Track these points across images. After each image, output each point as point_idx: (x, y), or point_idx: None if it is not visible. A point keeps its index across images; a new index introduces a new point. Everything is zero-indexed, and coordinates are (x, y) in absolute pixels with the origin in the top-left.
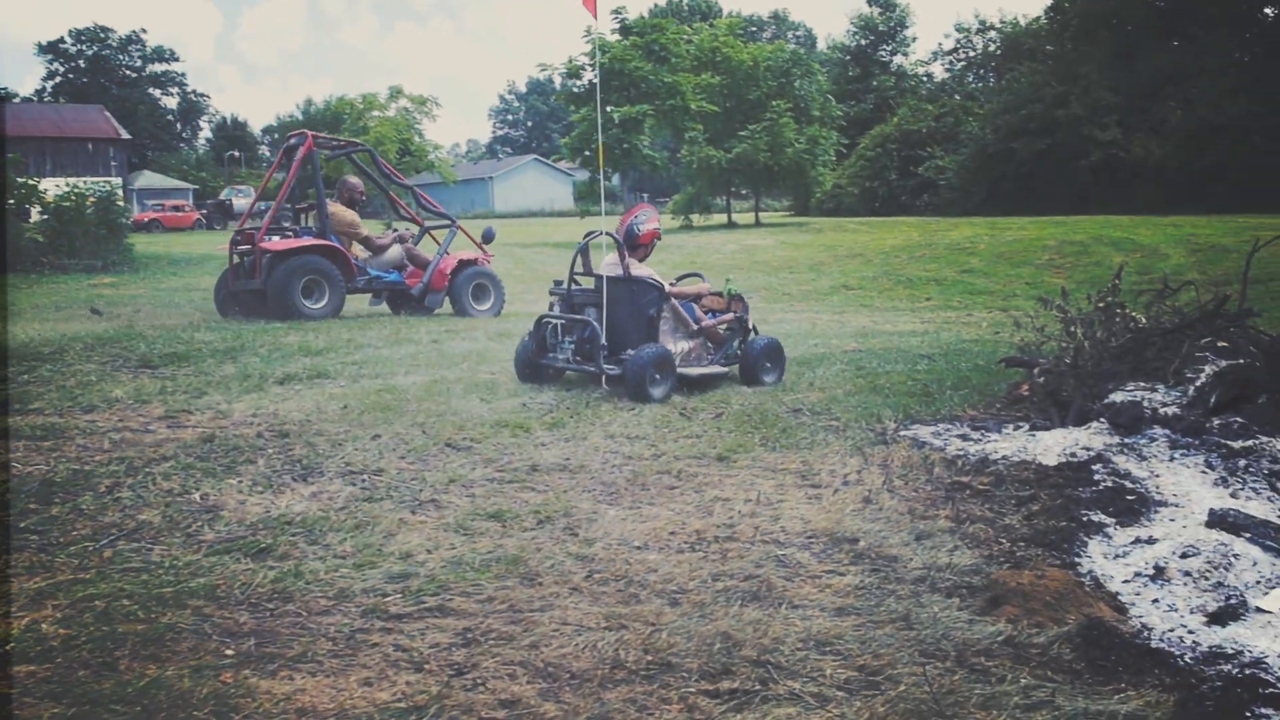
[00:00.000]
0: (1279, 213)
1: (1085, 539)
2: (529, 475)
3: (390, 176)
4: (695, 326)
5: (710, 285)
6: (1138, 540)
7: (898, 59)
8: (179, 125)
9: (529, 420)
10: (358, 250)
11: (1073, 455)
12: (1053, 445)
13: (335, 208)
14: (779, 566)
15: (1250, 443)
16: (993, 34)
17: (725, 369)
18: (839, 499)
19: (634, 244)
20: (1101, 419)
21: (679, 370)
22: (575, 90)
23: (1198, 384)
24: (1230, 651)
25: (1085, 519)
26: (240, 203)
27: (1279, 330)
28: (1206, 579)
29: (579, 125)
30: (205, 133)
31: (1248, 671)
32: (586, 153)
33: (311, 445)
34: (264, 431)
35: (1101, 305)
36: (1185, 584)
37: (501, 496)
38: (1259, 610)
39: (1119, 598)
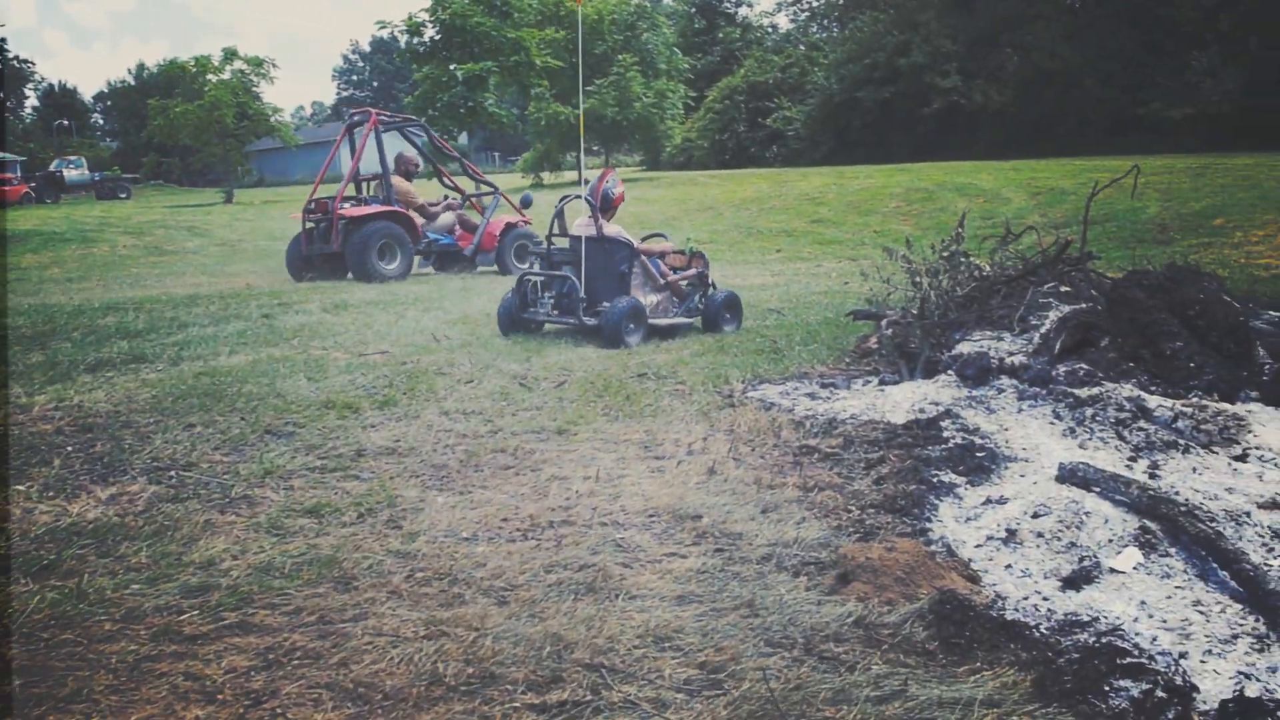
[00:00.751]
0: (1112, 154)
1: (936, 501)
2: (354, 462)
3: (440, 149)
4: (662, 281)
5: (673, 244)
6: (989, 501)
7: (743, 10)
8: (1, 93)
9: (358, 399)
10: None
11: (921, 411)
12: (901, 401)
13: (396, 181)
14: (617, 551)
15: (1096, 390)
16: None
17: (690, 320)
18: (682, 471)
19: (607, 206)
20: (949, 371)
21: (649, 321)
22: (418, 48)
23: (1042, 331)
24: (1086, 619)
25: (935, 480)
26: (71, 174)
27: (1118, 272)
28: (1059, 539)
29: (423, 84)
30: (32, 101)
31: (1104, 640)
32: (431, 111)
33: (117, 440)
34: (65, 427)
35: (946, 255)
36: (1038, 546)
37: (321, 488)
38: (1112, 571)
39: (972, 565)
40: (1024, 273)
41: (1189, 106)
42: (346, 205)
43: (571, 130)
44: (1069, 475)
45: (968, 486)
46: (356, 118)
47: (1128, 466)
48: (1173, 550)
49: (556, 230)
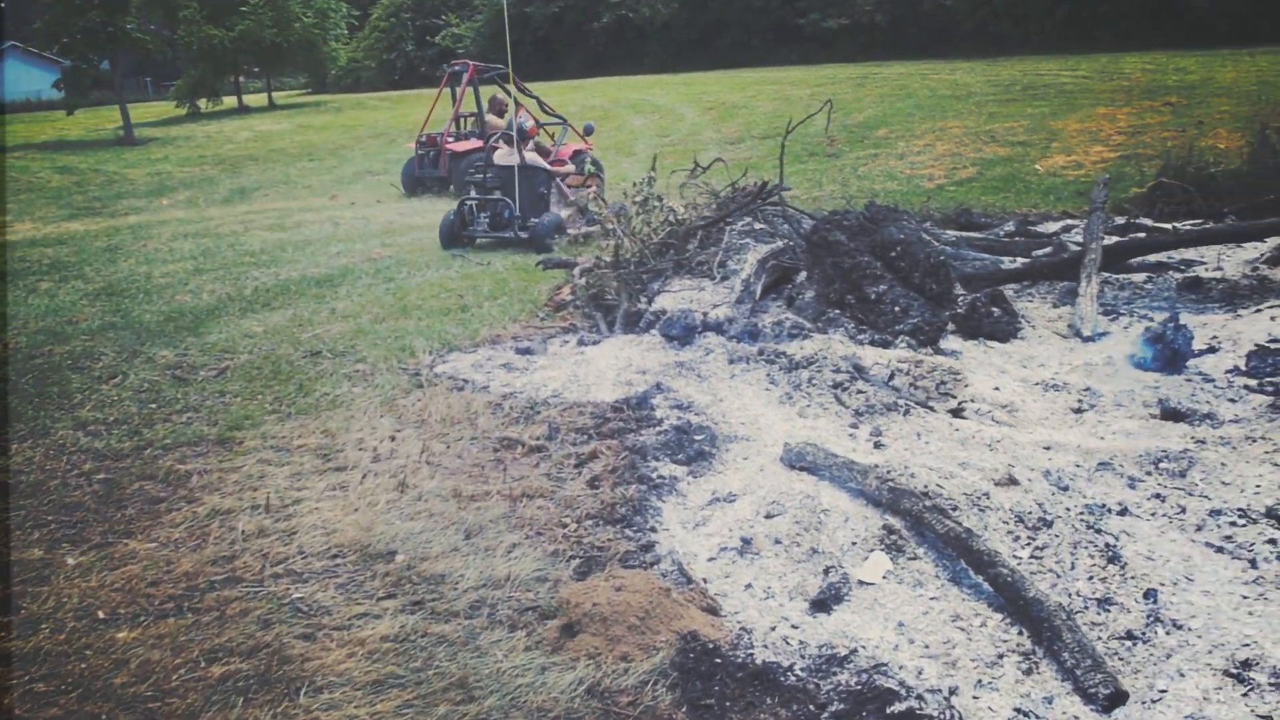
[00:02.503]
0: (775, 64)
1: (658, 504)
2: None
3: (523, 90)
4: (571, 199)
5: (573, 167)
6: (715, 498)
7: None
8: None
9: None
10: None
11: (628, 384)
12: (605, 369)
13: (490, 117)
14: (295, 619)
15: (810, 349)
16: None
17: (593, 229)
18: (369, 487)
19: (524, 137)
20: (652, 329)
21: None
22: None
23: (743, 276)
24: (843, 651)
25: (655, 476)
26: None
27: (798, 192)
28: (798, 545)
29: (55, 7)
30: None
31: (869, 680)
32: (65, 39)
33: None
34: None
35: (639, 199)
36: (776, 555)
37: None
38: (861, 583)
39: (708, 587)
40: (719, 217)
41: (844, 17)
42: (452, 140)
43: (227, 54)
44: (796, 459)
45: (690, 479)
46: (457, 68)
47: (850, 435)
48: (920, 551)
49: (484, 163)
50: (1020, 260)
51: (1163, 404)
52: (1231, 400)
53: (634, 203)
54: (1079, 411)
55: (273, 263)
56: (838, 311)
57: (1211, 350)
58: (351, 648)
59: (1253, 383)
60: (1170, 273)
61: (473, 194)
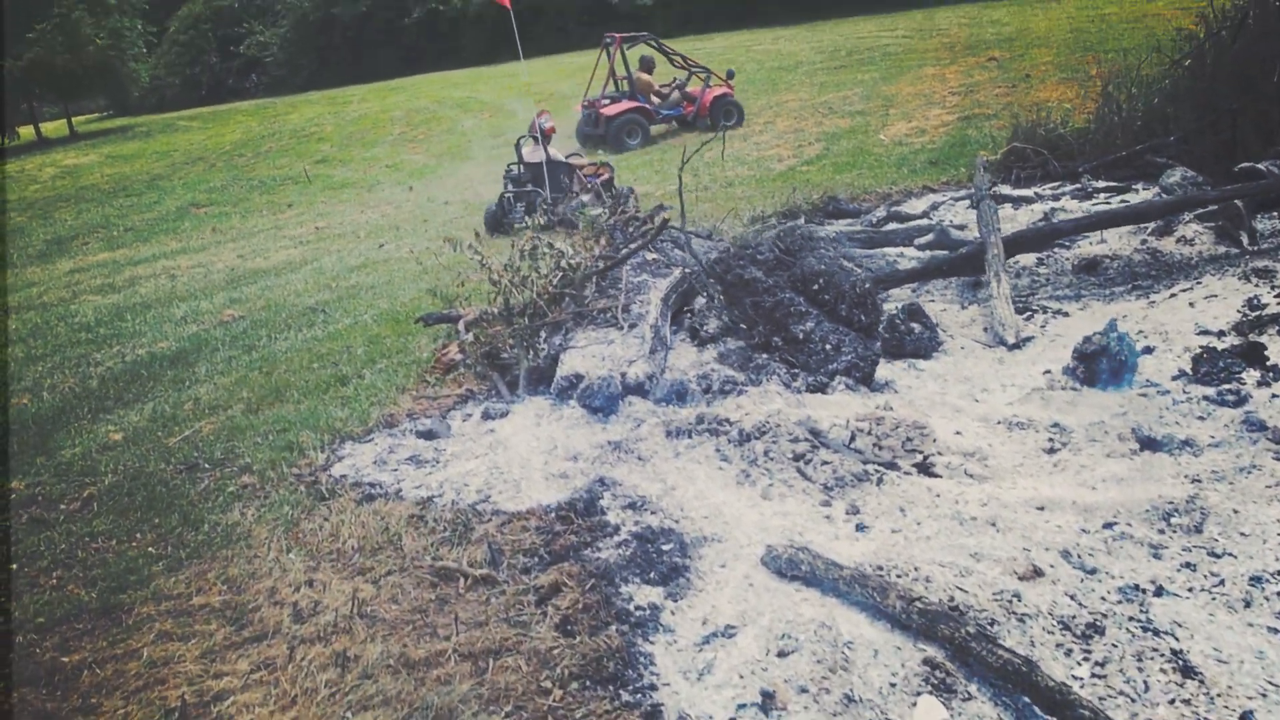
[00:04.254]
0: (591, 48)
1: (648, 647)
2: None
3: (666, 49)
4: (589, 186)
5: (587, 159)
6: (711, 632)
7: None
8: None
9: None
10: (654, 99)
11: (564, 476)
12: (529, 456)
13: (639, 76)
14: None
15: (744, 404)
16: None
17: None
18: (301, 665)
19: (546, 137)
20: (570, 399)
21: None
22: None
23: (650, 321)
24: None
25: (633, 608)
26: None
27: (653, 181)
28: (828, 693)
29: None
30: None
31: None
32: None
33: None
34: None
35: (527, 248)
36: (807, 709)
37: None
38: None
39: None
40: (620, 260)
41: None
42: (605, 103)
43: (19, 84)
44: (787, 568)
45: (672, 603)
46: (607, 40)
47: (826, 517)
48: (973, 688)
49: (515, 159)
50: (913, 257)
51: (1136, 433)
52: (1200, 419)
53: (521, 251)
54: (1052, 452)
55: (114, 338)
56: (765, 356)
57: (1148, 351)
58: None
59: (1210, 391)
60: (1056, 250)
61: (510, 188)
